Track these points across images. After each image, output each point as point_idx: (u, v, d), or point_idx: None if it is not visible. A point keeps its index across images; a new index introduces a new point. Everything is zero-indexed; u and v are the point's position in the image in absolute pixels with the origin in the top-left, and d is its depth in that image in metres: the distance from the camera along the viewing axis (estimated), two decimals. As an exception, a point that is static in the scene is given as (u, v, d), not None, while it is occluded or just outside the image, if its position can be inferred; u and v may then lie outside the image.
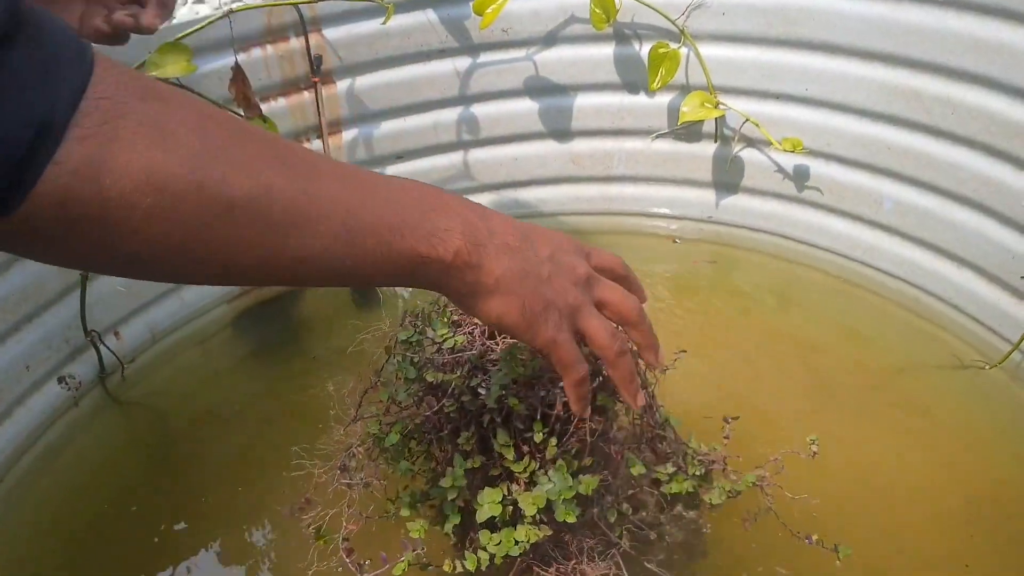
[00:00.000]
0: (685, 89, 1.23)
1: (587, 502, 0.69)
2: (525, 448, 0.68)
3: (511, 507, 0.67)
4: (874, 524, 0.87)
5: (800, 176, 1.24)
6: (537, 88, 1.28)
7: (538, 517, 0.66)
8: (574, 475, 0.66)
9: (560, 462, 0.66)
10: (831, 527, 0.79)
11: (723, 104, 1.20)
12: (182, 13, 1.03)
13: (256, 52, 1.11)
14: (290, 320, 1.21)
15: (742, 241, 1.32)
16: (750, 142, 1.25)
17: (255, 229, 0.42)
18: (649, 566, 0.72)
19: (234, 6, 1.04)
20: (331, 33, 1.16)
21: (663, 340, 0.65)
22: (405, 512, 0.71)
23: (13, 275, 0.96)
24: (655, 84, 1.18)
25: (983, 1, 0.98)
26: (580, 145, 1.33)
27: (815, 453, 0.77)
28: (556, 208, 1.38)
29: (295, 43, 1.14)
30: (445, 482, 0.67)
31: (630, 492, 0.74)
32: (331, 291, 1.22)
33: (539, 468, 0.67)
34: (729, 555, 0.83)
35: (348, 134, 1.24)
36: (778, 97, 1.19)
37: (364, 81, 1.21)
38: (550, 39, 1.24)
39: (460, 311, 0.74)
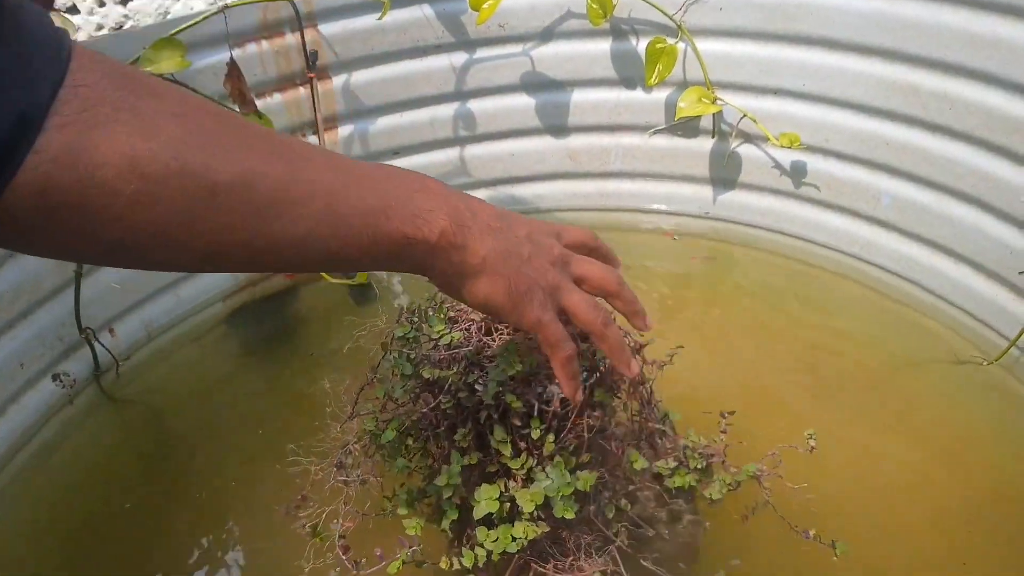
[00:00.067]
0: (682, 85, 1.22)
1: (585, 498, 0.69)
2: (522, 445, 0.67)
3: (508, 504, 0.66)
4: (872, 520, 0.87)
5: (798, 172, 1.23)
6: (534, 84, 1.27)
7: (536, 514, 0.66)
8: (572, 472, 0.66)
9: (558, 459, 0.66)
10: (829, 523, 0.79)
11: (720, 100, 1.20)
12: (176, 8, 1.02)
13: (251, 48, 1.10)
14: (286, 317, 1.21)
15: (740, 237, 1.31)
16: (747, 138, 1.25)
17: (239, 213, 0.42)
18: (645, 563, 0.72)
19: (229, 1, 1.04)
20: (327, 28, 1.15)
21: (660, 337, 0.65)
22: (402, 509, 0.71)
23: (7, 272, 0.95)
24: (652, 80, 1.17)
25: (981, -4, 0.98)
26: (577, 141, 1.33)
27: (813, 448, 0.77)
28: (553, 204, 1.38)
29: (290, 38, 1.13)
30: (441, 479, 0.67)
31: (629, 488, 0.74)
32: (327, 288, 1.22)
33: (536, 465, 0.67)
34: (726, 552, 0.83)
35: (344, 130, 1.24)
36: (776, 93, 1.19)
37: (360, 77, 1.21)
38: (547, 34, 1.23)
39: (456, 308, 0.74)
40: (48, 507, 0.95)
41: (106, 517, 0.93)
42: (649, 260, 1.29)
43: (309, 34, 1.14)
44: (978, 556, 0.85)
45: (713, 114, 1.23)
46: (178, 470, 0.99)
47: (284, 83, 1.16)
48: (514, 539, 0.65)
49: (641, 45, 1.21)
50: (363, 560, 0.70)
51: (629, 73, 1.25)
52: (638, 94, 1.27)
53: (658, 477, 0.76)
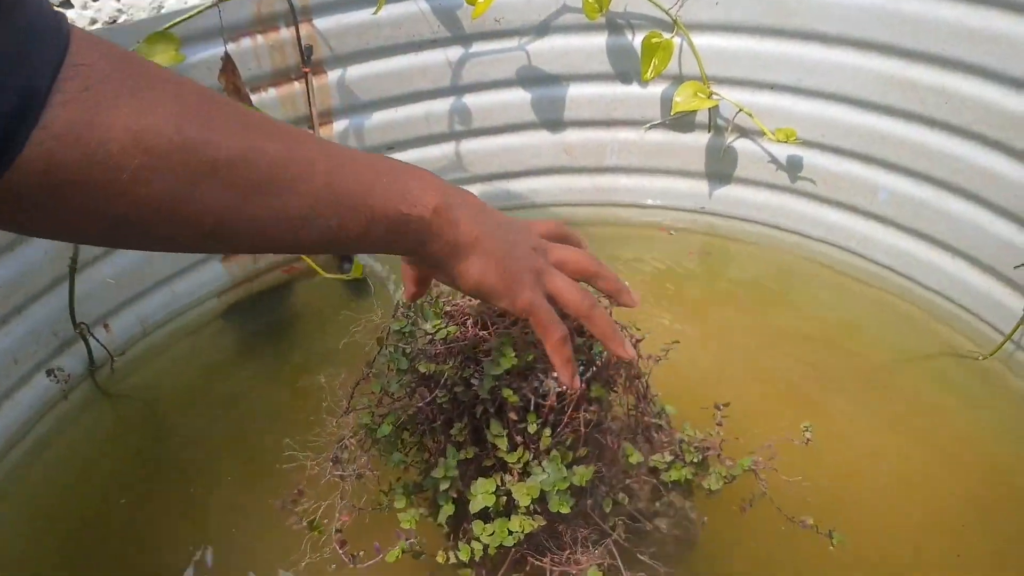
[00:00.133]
0: (678, 79, 1.22)
1: (581, 493, 0.69)
2: (519, 439, 0.67)
3: (504, 498, 0.66)
4: (867, 513, 0.87)
5: (794, 167, 1.23)
6: (530, 78, 1.27)
7: (532, 508, 0.66)
8: (568, 466, 0.66)
9: (554, 453, 0.66)
10: (825, 516, 0.79)
11: (716, 94, 1.20)
12: (171, 3, 1.02)
13: (246, 42, 1.10)
14: (281, 312, 1.21)
15: (736, 232, 1.31)
16: (744, 132, 1.25)
17: (240, 189, 0.42)
18: (642, 557, 0.72)
19: (223, -5, 1.03)
20: (322, 23, 1.15)
21: (656, 331, 0.65)
22: (398, 503, 0.70)
23: (1, 267, 0.95)
24: (648, 74, 1.17)
25: (977, -11, 0.98)
26: (573, 135, 1.33)
27: (808, 440, 0.77)
28: (549, 199, 1.37)
29: (285, 33, 1.13)
30: (438, 472, 0.67)
31: (626, 482, 0.74)
32: (322, 283, 1.22)
33: (533, 459, 0.67)
34: (723, 544, 0.83)
35: (339, 124, 1.23)
36: (772, 87, 1.19)
37: (355, 71, 1.20)
38: (543, 29, 1.23)
39: (452, 303, 0.73)
40: (43, 503, 0.95)
41: (101, 512, 0.93)
42: (645, 255, 1.29)
43: (304, 28, 1.13)
44: (973, 548, 0.85)
45: (709, 109, 1.23)
46: (173, 465, 0.99)
47: (279, 78, 1.15)
48: (510, 533, 0.65)
49: (637, 39, 1.21)
50: (360, 553, 0.70)
51: (625, 68, 1.25)
52: (634, 89, 1.27)
53: (655, 471, 0.75)
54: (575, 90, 1.28)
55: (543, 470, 0.65)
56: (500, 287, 0.56)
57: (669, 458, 0.75)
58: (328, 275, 1.21)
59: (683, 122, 1.28)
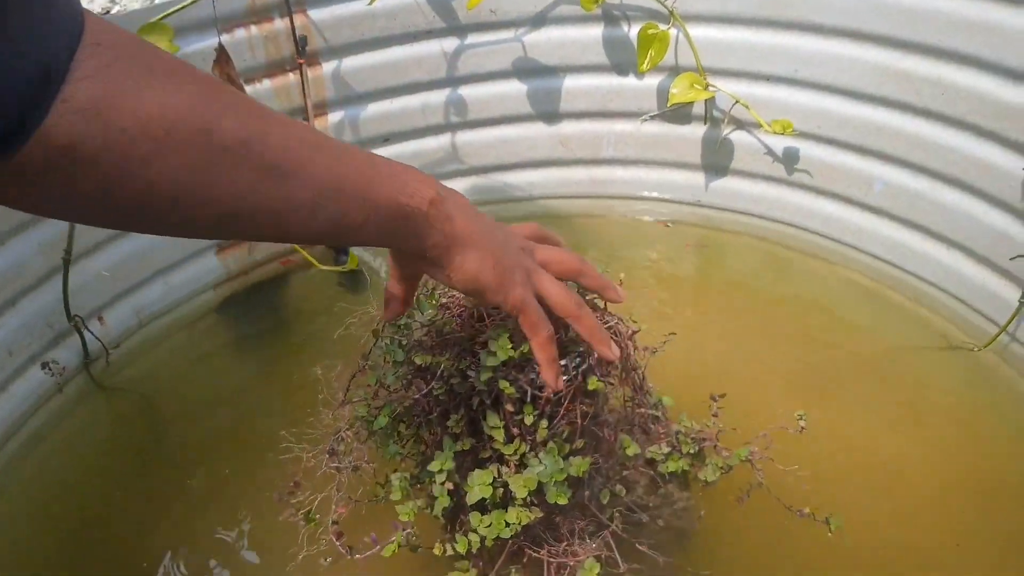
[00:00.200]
0: (674, 71, 1.22)
1: (578, 484, 0.69)
2: (515, 431, 0.67)
3: (501, 489, 0.66)
4: (863, 503, 0.87)
5: (790, 158, 1.23)
6: (525, 70, 1.27)
7: (529, 499, 0.66)
8: (565, 458, 0.66)
9: (551, 444, 0.66)
10: (821, 506, 0.79)
11: (713, 86, 1.19)
12: (164, -7, 1.01)
13: (240, 33, 1.09)
14: (277, 305, 1.20)
15: (732, 224, 1.31)
16: (740, 124, 1.25)
17: (249, 172, 0.43)
18: (640, 548, 0.72)
19: (217, -15, 1.02)
20: (316, 14, 1.14)
21: (653, 323, 0.65)
22: (395, 495, 0.70)
23: (-6, 259, 0.95)
24: (644, 66, 1.17)
25: (974, -20, 0.98)
26: (569, 127, 1.32)
27: (803, 428, 0.77)
28: (545, 191, 1.37)
29: (280, 24, 1.12)
30: (435, 464, 0.67)
31: (623, 473, 0.74)
32: (318, 275, 1.22)
33: (529, 450, 0.67)
34: (721, 533, 0.83)
35: (334, 116, 1.23)
36: (768, 79, 1.19)
37: (350, 63, 1.20)
38: (538, 20, 1.22)
39: (448, 294, 0.73)
40: (39, 496, 0.95)
41: (97, 505, 0.93)
42: (641, 247, 1.29)
43: (298, 19, 1.13)
44: (970, 537, 0.85)
45: (705, 100, 1.22)
46: (169, 458, 0.99)
47: (273, 69, 1.15)
48: (507, 524, 0.65)
49: (633, 31, 1.20)
50: (359, 545, 0.70)
51: (621, 59, 1.25)
52: (630, 80, 1.27)
53: (652, 462, 0.76)
54: (571, 82, 1.28)
55: (540, 462, 0.65)
56: (494, 283, 0.57)
57: (666, 449, 0.75)
58: (324, 267, 1.21)
59: (679, 114, 1.27)
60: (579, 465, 0.65)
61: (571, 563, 0.68)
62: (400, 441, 0.73)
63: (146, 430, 1.04)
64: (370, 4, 1.11)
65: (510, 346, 0.63)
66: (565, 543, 0.68)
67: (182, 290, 1.17)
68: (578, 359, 0.66)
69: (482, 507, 0.67)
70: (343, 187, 0.49)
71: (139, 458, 0.99)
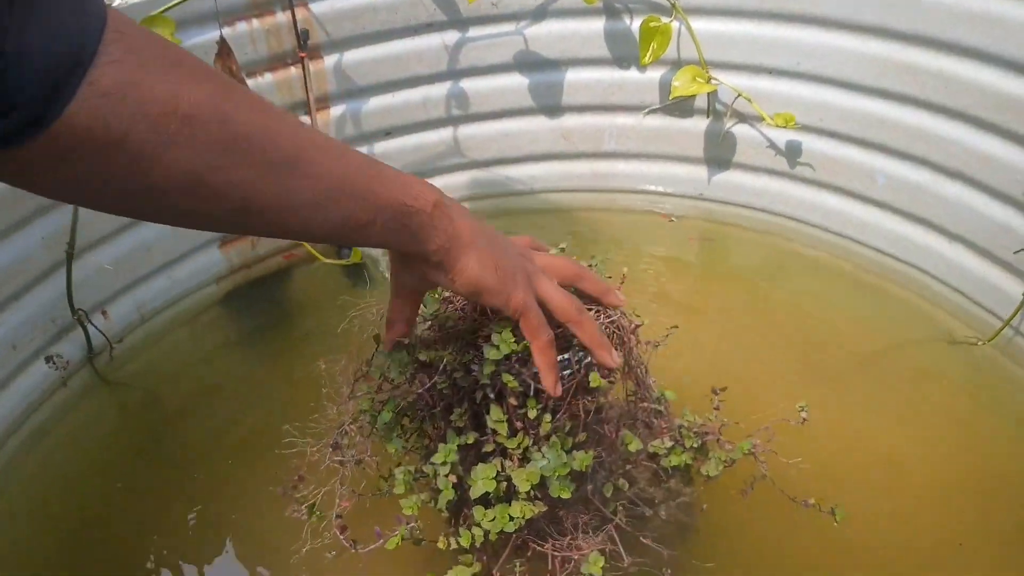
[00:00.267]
0: (677, 64, 1.22)
1: (581, 478, 0.69)
2: (519, 424, 0.67)
3: (505, 483, 0.66)
4: (867, 496, 0.87)
5: (792, 152, 1.23)
6: (527, 63, 1.26)
7: (532, 493, 0.66)
8: (568, 452, 0.66)
9: (554, 439, 0.66)
10: (825, 499, 0.79)
11: (715, 79, 1.19)
12: (165, -14, 1.01)
13: (241, 26, 1.09)
14: (280, 299, 1.20)
15: (734, 218, 1.31)
16: (742, 117, 1.25)
17: (261, 166, 0.44)
18: (644, 541, 0.72)
19: (219, -21, 1.02)
20: (317, 7, 1.14)
21: (655, 318, 0.65)
22: (399, 489, 0.70)
23: (-3, 254, 0.95)
24: (646, 58, 1.16)
25: (977, -27, 0.97)
26: (571, 121, 1.32)
27: (804, 419, 0.77)
28: (546, 185, 1.37)
29: (281, 17, 1.12)
30: (438, 457, 0.67)
31: (626, 467, 0.74)
32: (321, 269, 1.22)
33: (532, 444, 0.67)
34: (724, 526, 0.83)
35: (336, 110, 1.23)
36: (770, 72, 1.18)
37: (351, 56, 1.20)
38: (540, 13, 1.22)
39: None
40: (42, 490, 0.95)
41: (101, 499, 0.93)
42: (644, 241, 1.29)
43: (300, 13, 1.12)
44: (973, 534, 0.85)
45: (708, 94, 1.22)
46: (172, 452, 0.99)
47: (275, 63, 1.14)
48: (511, 518, 0.65)
49: (635, 24, 1.20)
50: (363, 539, 0.70)
51: (623, 52, 1.25)
52: (632, 73, 1.26)
53: (654, 457, 0.76)
54: (573, 75, 1.28)
55: (543, 456, 0.65)
56: (496, 285, 0.58)
57: (669, 444, 0.75)
58: (327, 260, 1.21)
59: (682, 107, 1.27)
60: (582, 459, 0.65)
61: (575, 556, 0.68)
62: (404, 435, 0.73)
63: (150, 424, 1.04)
64: (372, -3, 1.11)
65: (513, 339, 0.63)
66: (569, 537, 0.68)
67: (185, 284, 1.17)
68: (581, 353, 0.66)
69: (486, 501, 0.67)
70: (350, 186, 0.50)
71: (142, 451, 0.99)
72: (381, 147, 1.28)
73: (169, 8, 0.96)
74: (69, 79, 0.35)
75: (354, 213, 0.50)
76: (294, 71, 1.16)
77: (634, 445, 0.71)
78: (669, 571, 0.72)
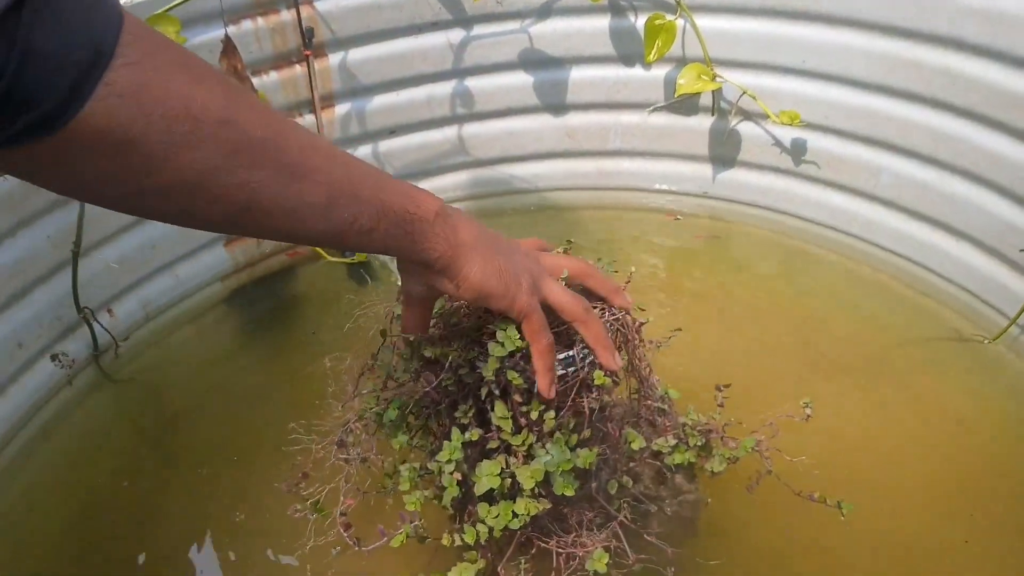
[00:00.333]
0: (682, 61, 1.22)
1: (586, 476, 0.69)
2: (523, 421, 0.67)
3: (509, 480, 0.66)
4: (872, 494, 0.87)
5: (797, 149, 1.23)
6: (532, 61, 1.26)
7: (537, 491, 0.66)
8: (572, 449, 0.66)
9: (558, 435, 0.66)
10: (830, 496, 0.79)
11: (720, 76, 1.19)
12: (171, -15, 1.01)
13: (247, 24, 1.09)
14: (285, 297, 1.21)
15: (739, 216, 1.31)
16: (747, 115, 1.24)
17: (269, 169, 0.45)
18: (649, 538, 0.72)
19: (224, -23, 1.02)
20: (322, 5, 1.14)
21: (660, 316, 0.65)
22: (403, 485, 0.70)
23: (3, 251, 0.95)
24: (651, 56, 1.16)
25: (984, -31, 0.97)
26: (575, 119, 1.32)
27: (808, 416, 0.77)
28: (551, 184, 1.37)
29: (286, 15, 1.12)
30: (443, 454, 0.67)
31: (630, 465, 0.74)
32: (326, 267, 1.22)
33: (536, 441, 0.67)
34: (728, 523, 0.83)
35: (341, 108, 1.23)
36: (775, 69, 1.18)
37: (356, 54, 1.20)
38: (545, 11, 1.22)
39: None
40: (48, 487, 0.95)
41: (106, 496, 0.93)
42: (649, 239, 1.29)
43: (304, 11, 1.12)
44: (980, 531, 0.85)
45: (712, 91, 1.22)
46: (178, 449, 0.99)
47: (280, 61, 1.15)
48: (515, 515, 0.65)
49: (640, 21, 1.20)
50: (367, 537, 0.70)
51: (628, 50, 1.24)
52: (637, 71, 1.26)
53: (659, 454, 0.76)
54: (577, 73, 1.28)
55: (547, 452, 0.65)
56: (500, 289, 0.59)
57: (673, 442, 0.75)
58: (332, 258, 1.21)
59: (686, 105, 1.27)
60: (586, 456, 0.65)
61: (580, 554, 0.68)
62: (409, 432, 0.73)
63: (155, 422, 1.04)
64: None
65: (518, 336, 0.63)
66: (574, 534, 0.68)
67: (190, 282, 1.17)
68: (586, 351, 0.66)
69: (490, 498, 0.67)
70: (355, 192, 0.51)
71: (148, 449, 1.00)
72: (385, 145, 1.28)
73: (174, 6, 0.97)
74: (86, 79, 0.35)
75: (357, 219, 0.51)
76: (299, 69, 1.16)
77: (637, 443, 0.71)
78: (673, 569, 0.72)
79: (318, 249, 1.21)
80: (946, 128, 1.07)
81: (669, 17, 1.15)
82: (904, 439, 0.95)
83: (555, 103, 1.30)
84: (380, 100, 1.25)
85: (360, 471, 0.74)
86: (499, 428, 0.67)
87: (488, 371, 0.64)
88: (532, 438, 0.67)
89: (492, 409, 0.67)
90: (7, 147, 0.36)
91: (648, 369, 0.74)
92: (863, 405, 0.99)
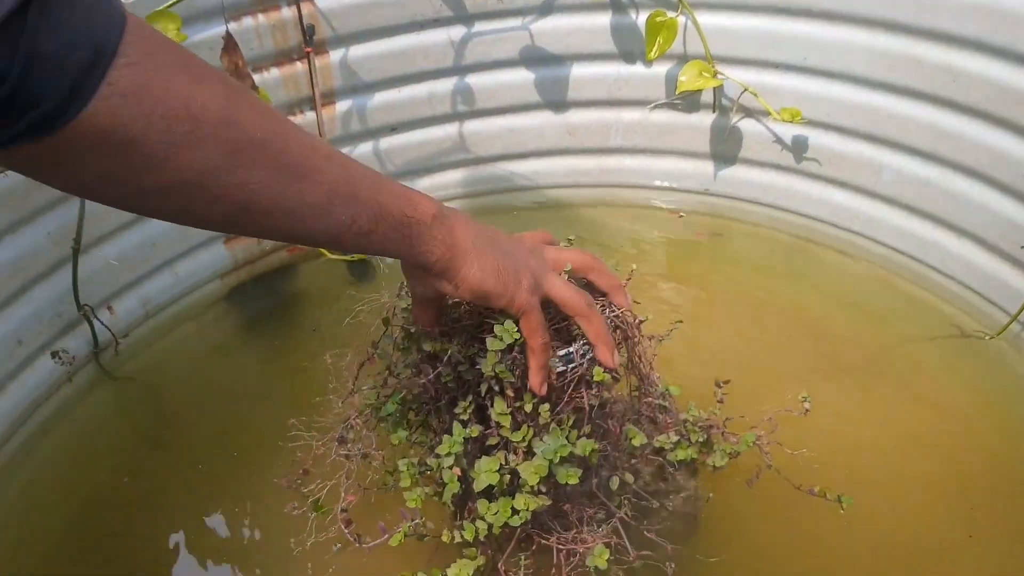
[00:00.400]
0: (683, 59, 1.21)
1: (587, 471, 0.68)
2: (519, 417, 0.67)
3: (509, 476, 0.66)
4: (873, 491, 0.87)
5: (799, 147, 1.23)
6: (533, 58, 1.26)
7: (537, 487, 0.65)
8: (572, 443, 0.66)
9: (554, 426, 0.66)
10: (830, 493, 0.79)
11: (721, 74, 1.19)
12: (171, -19, 1.01)
13: (247, 21, 1.09)
14: (285, 294, 1.21)
15: (740, 213, 1.31)
16: (749, 112, 1.24)
17: (268, 169, 0.46)
18: (649, 534, 0.72)
19: (224, -26, 1.02)
20: (323, 2, 1.14)
21: (661, 313, 0.65)
22: (404, 481, 0.70)
23: (4, 248, 0.95)
24: (652, 53, 1.16)
25: (986, -34, 0.97)
26: (577, 116, 1.32)
27: (807, 410, 0.77)
28: (552, 181, 1.37)
29: (287, 12, 1.12)
30: (442, 448, 0.67)
31: (631, 462, 0.74)
32: (326, 264, 1.22)
33: (535, 436, 0.67)
34: (729, 519, 0.83)
35: (341, 105, 1.23)
36: (777, 66, 1.18)
37: (357, 51, 1.19)
38: (546, 8, 1.22)
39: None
40: (48, 484, 0.95)
41: (106, 493, 0.93)
42: (650, 236, 1.29)
43: (305, 8, 1.12)
44: (982, 527, 0.85)
45: (714, 88, 1.22)
46: (178, 446, 0.99)
47: (281, 58, 1.14)
48: (515, 511, 0.65)
49: (641, 18, 1.20)
50: (368, 533, 0.70)
51: (629, 47, 1.24)
52: (638, 68, 1.26)
53: (660, 451, 0.75)
54: (579, 70, 1.27)
55: (543, 441, 0.65)
56: (498, 289, 0.59)
57: (674, 438, 0.75)
58: (332, 256, 1.21)
59: (688, 102, 1.27)
60: (584, 445, 0.65)
61: (580, 550, 0.68)
62: (409, 429, 0.73)
63: (155, 419, 1.04)
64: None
65: (516, 329, 0.63)
66: (574, 530, 0.68)
67: (190, 279, 1.17)
68: (586, 347, 0.66)
69: (490, 494, 0.67)
70: (353, 194, 0.51)
71: (147, 446, 1.00)
72: (386, 143, 1.28)
73: (175, 3, 0.96)
74: (89, 79, 0.36)
75: (355, 220, 0.52)
76: (300, 66, 1.16)
77: (638, 439, 0.71)
78: (673, 565, 0.72)
79: (319, 246, 1.20)
80: (947, 125, 1.07)
81: (670, 14, 1.15)
82: (904, 436, 0.95)
83: (556, 100, 1.30)
84: (381, 97, 1.24)
85: (361, 467, 0.74)
86: (499, 424, 0.67)
87: (488, 367, 0.64)
88: (531, 434, 0.67)
89: (492, 405, 0.67)
90: (8, 147, 0.36)
91: (648, 366, 0.74)
92: (864, 402, 0.99)
